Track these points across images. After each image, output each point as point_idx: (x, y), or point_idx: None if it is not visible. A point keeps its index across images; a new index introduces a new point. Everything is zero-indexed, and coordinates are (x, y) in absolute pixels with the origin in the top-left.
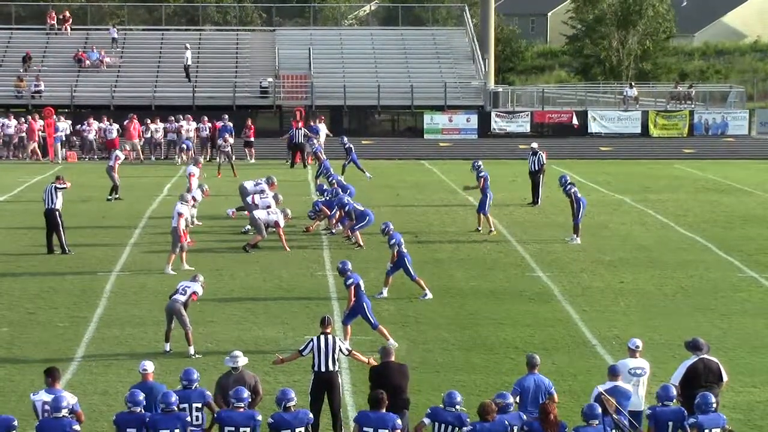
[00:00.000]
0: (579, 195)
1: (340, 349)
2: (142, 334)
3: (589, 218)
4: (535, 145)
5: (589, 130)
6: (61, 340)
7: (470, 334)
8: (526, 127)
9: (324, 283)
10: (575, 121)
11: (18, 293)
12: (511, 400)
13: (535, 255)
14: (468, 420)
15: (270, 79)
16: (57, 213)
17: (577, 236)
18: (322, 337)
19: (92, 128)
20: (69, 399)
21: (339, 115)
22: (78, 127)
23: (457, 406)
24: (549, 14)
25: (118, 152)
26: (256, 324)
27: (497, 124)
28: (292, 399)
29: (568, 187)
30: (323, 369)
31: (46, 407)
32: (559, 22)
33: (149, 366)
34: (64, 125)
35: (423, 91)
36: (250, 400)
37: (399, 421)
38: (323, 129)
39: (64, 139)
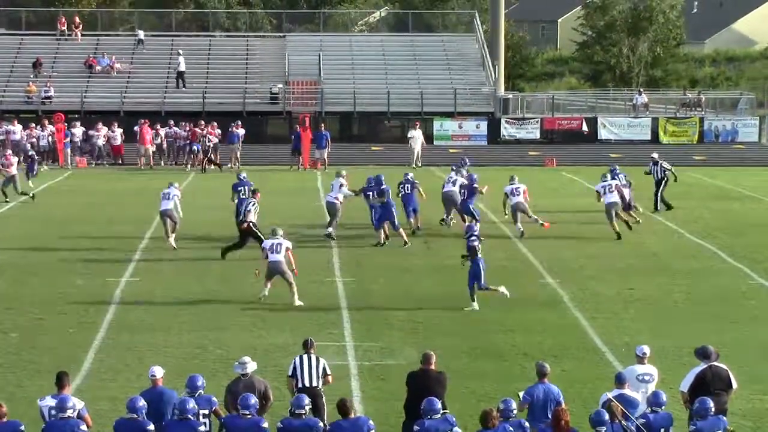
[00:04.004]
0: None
1: (324, 369)
2: (152, 340)
3: (599, 225)
4: (655, 155)
5: (599, 137)
6: (70, 346)
7: (480, 341)
8: (536, 134)
9: (333, 290)
10: (585, 127)
11: (27, 299)
12: (513, 406)
13: (544, 262)
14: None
15: (280, 85)
16: (251, 224)
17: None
18: (305, 356)
19: (101, 134)
20: (76, 403)
21: (349, 122)
22: (89, 132)
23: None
24: (559, 21)
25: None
26: (265, 330)
27: (507, 130)
28: (303, 406)
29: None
30: (306, 384)
31: (53, 412)
32: (570, 29)
33: (158, 371)
34: (77, 131)
35: (433, 97)
36: (258, 407)
37: (371, 423)
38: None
39: (77, 144)
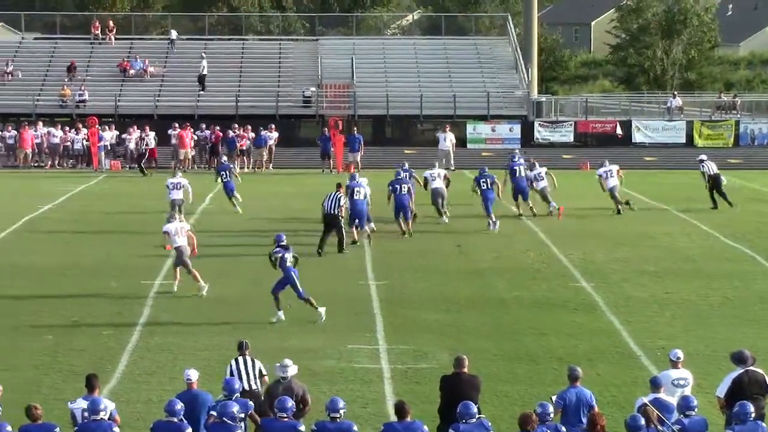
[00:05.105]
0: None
1: (260, 370)
2: (185, 342)
3: (633, 228)
4: (703, 157)
5: (633, 140)
6: (104, 348)
7: (513, 345)
8: (570, 137)
9: (366, 293)
10: (619, 131)
11: (62, 301)
12: (550, 410)
13: (578, 265)
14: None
15: (313, 89)
16: (339, 218)
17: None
18: (241, 359)
19: (133, 137)
20: (107, 405)
21: (382, 125)
22: (123, 136)
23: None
24: (592, 24)
25: None
26: (297, 333)
27: (540, 133)
28: (338, 409)
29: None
30: (245, 387)
31: (85, 414)
32: (603, 32)
33: (194, 375)
34: (110, 134)
35: (466, 100)
36: (294, 410)
37: (426, 428)
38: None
39: (108, 148)
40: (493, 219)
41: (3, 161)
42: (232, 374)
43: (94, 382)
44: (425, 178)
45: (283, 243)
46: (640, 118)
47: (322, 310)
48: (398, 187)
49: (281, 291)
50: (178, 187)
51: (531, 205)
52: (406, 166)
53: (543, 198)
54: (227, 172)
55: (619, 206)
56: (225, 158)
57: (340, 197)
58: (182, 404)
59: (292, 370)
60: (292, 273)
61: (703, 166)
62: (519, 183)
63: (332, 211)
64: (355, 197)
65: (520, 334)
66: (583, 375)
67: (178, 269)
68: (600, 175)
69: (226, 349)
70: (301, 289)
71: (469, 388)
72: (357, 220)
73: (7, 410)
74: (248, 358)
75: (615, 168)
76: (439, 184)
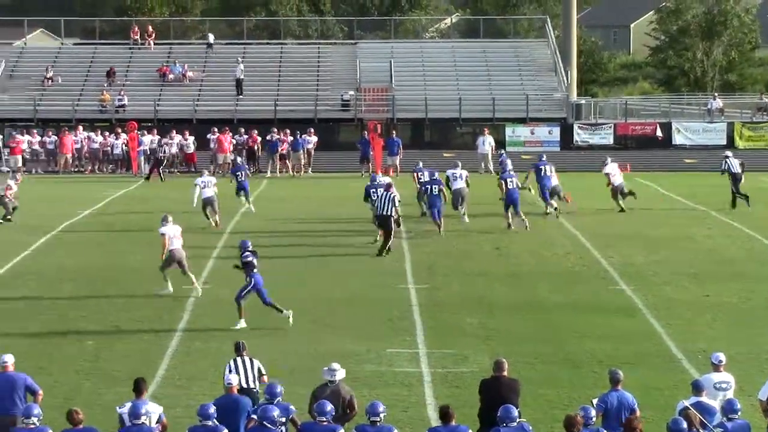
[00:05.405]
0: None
1: (259, 369)
2: (226, 347)
3: (674, 230)
4: (728, 153)
5: (673, 142)
6: (145, 353)
7: (553, 348)
8: (609, 140)
9: (406, 296)
10: (659, 133)
11: (103, 306)
12: (592, 413)
13: (617, 267)
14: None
15: (351, 92)
16: (392, 219)
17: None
18: (239, 359)
19: (174, 142)
20: (153, 408)
21: (420, 128)
22: (162, 140)
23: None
24: (631, 26)
25: (10, 181)
26: (338, 337)
27: (580, 136)
28: (378, 413)
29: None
30: (244, 386)
31: (129, 418)
32: (642, 34)
33: (234, 379)
34: (149, 139)
35: (505, 103)
36: (333, 413)
37: None
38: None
39: (148, 152)
40: (554, 206)
41: (43, 166)
42: (230, 373)
43: (141, 386)
44: (447, 177)
45: (249, 248)
46: (680, 120)
47: (288, 312)
48: (431, 187)
49: (245, 298)
50: (210, 184)
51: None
52: (420, 165)
53: (557, 196)
54: (242, 173)
55: (622, 204)
56: (240, 160)
57: (394, 197)
58: (215, 407)
59: (340, 374)
60: (256, 279)
61: (725, 162)
62: (545, 182)
63: (385, 212)
64: (374, 198)
65: (560, 337)
66: (624, 378)
67: (165, 272)
68: (608, 174)
69: (265, 353)
70: (266, 296)
71: (509, 391)
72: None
73: (48, 414)
74: (246, 358)
75: (615, 165)
76: (461, 184)
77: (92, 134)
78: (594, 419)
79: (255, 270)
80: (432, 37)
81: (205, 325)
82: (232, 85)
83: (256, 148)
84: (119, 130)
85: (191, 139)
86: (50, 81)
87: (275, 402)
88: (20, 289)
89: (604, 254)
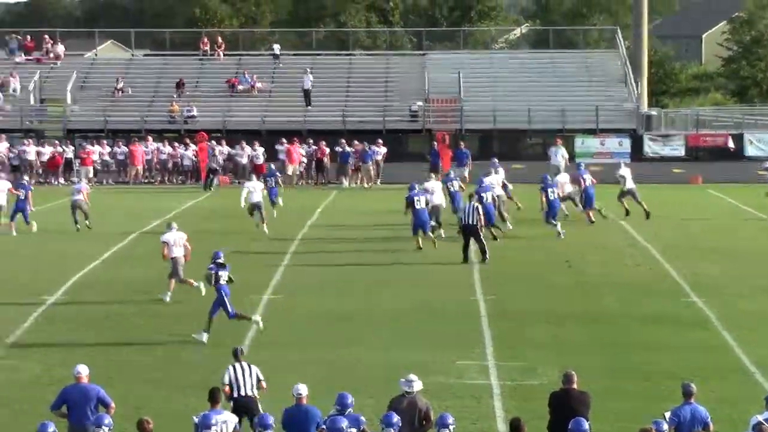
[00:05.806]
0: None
1: (258, 376)
2: (292, 357)
3: (748, 243)
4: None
5: (745, 154)
6: (214, 363)
7: (623, 361)
8: (681, 151)
9: (475, 308)
10: (731, 144)
11: (171, 315)
12: (665, 427)
13: (688, 279)
14: None
15: (420, 103)
16: (478, 228)
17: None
18: (238, 365)
19: (245, 153)
20: (228, 417)
21: (489, 139)
22: (231, 151)
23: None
24: (703, 36)
25: (83, 184)
26: (405, 348)
27: (650, 147)
28: (448, 425)
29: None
30: (242, 393)
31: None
32: (714, 44)
33: (303, 389)
34: (219, 150)
35: (574, 114)
36: (400, 425)
37: None
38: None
39: (221, 163)
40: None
41: (114, 177)
42: (229, 381)
43: (216, 395)
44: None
45: (219, 260)
46: (753, 131)
47: (257, 317)
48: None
49: (216, 313)
50: (257, 189)
51: (599, 208)
52: (452, 174)
53: (572, 201)
54: (273, 179)
55: (627, 208)
56: (272, 166)
57: (477, 207)
58: (273, 418)
59: (417, 385)
60: (223, 291)
61: None
62: (587, 191)
63: (470, 222)
64: (416, 206)
65: (630, 349)
66: (696, 391)
67: (172, 280)
68: (622, 176)
69: (334, 364)
70: (230, 308)
71: (579, 404)
72: (420, 228)
73: (119, 424)
74: (245, 365)
75: (629, 170)
76: (498, 192)
77: (161, 145)
78: None
79: (222, 282)
80: (501, 48)
81: (272, 335)
82: (300, 96)
83: (325, 159)
84: (188, 141)
85: (261, 150)
86: (120, 92)
87: (346, 413)
88: (91, 299)
89: (675, 266)
